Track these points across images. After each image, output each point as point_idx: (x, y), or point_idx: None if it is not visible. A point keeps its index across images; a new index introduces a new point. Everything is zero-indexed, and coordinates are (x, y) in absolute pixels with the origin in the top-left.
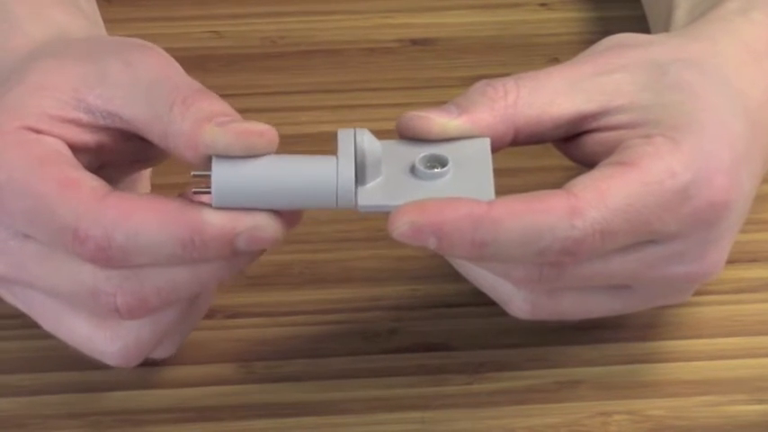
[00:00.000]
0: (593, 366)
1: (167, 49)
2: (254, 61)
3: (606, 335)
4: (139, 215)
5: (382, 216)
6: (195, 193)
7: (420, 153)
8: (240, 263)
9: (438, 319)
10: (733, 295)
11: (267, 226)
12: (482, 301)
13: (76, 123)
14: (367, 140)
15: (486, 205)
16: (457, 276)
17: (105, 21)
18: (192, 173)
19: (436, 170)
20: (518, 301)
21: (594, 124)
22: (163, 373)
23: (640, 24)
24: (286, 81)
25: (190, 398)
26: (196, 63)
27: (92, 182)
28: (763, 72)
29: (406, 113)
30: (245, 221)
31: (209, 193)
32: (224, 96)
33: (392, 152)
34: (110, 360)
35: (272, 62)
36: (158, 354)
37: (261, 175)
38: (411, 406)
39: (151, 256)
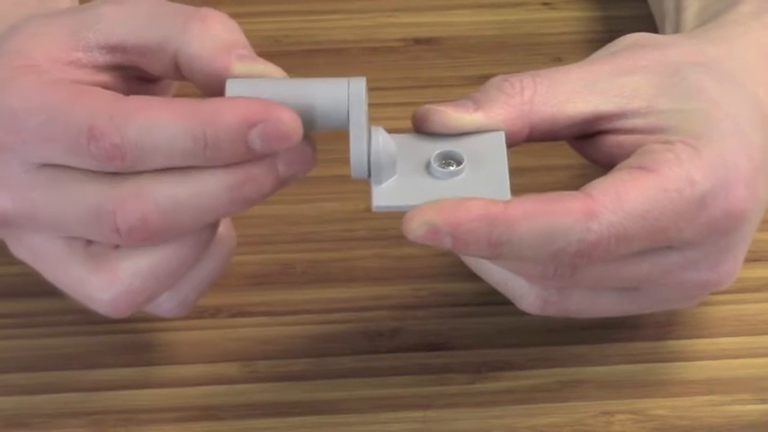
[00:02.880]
0: (595, 366)
1: None
2: None
3: (609, 335)
4: (152, 109)
5: (386, 215)
6: None
7: (435, 149)
8: (245, 191)
9: (441, 319)
10: (736, 295)
11: (284, 118)
12: (485, 301)
13: (76, 65)
14: (382, 140)
15: (502, 205)
16: (460, 276)
17: None
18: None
19: (451, 168)
20: (529, 296)
21: (610, 125)
22: (166, 372)
23: (645, 24)
24: None
25: (193, 397)
26: None
27: (105, 91)
28: None
29: (421, 107)
30: (261, 112)
31: None
32: None
33: (406, 147)
34: (100, 307)
35: (275, 61)
36: (170, 311)
37: (273, 93)
38: (413, 405)
39: (164, 153)
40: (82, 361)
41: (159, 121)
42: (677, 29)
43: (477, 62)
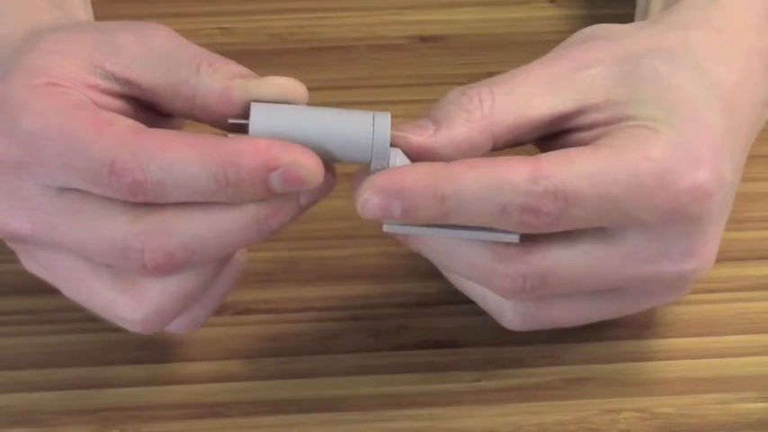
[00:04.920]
0: (601, 363)
1: None
2: (262, 58)
3: (614, 332)
4: (175, 148)
5: None
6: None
7: None
8: (268, 224)
9: (446, 317)
10: (741, 293)
11: (305, 164)
12: None
13: (95, 89)
14: (399, 161)
15: (447, 163)
16: None
17: (113, 18)
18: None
19: None
20: (507, 312)
21: (572, 123)
22: (172, 370)
23: None
24: (295, 77)
25: (198, 394)
26: None
27: (126, 120)
28: (737, 55)
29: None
30: (282, 157)
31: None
32: None
33: None
34: (130, 326)
35: (280, 59)
36: (181, 329)
37: (298, 121)
38: (419, 403)
39: (186, 191)
40: (89, 358)
41: (181, 160)
42: (646, 13)
43: (483, 60)
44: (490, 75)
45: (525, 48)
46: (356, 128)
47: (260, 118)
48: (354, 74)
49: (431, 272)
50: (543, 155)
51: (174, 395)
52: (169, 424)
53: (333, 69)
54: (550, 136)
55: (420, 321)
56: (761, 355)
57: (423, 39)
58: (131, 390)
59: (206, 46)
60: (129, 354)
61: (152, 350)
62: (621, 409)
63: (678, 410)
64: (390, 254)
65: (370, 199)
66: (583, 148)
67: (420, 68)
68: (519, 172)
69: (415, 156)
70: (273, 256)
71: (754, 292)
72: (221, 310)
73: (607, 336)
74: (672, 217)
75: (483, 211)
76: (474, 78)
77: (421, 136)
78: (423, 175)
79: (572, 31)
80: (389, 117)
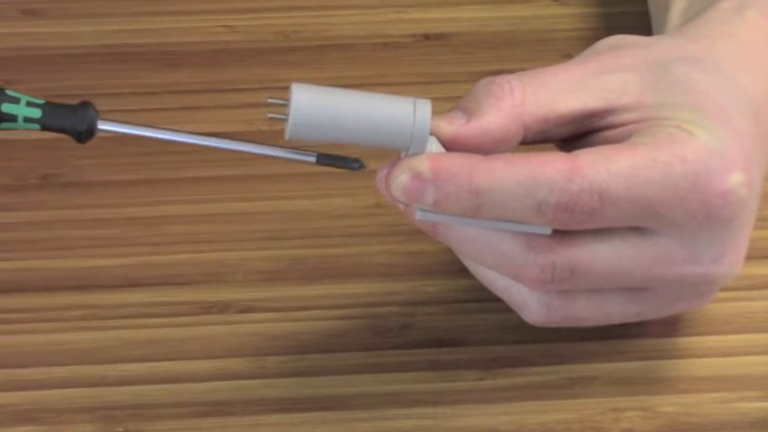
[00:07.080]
0: (605, 362)
1: (180, 44)
2: (267, 56)
3: (618, 331)
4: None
5: (396, 211)
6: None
7: None
8: None
9: (450, 315)
10: (744, 292)
11: None
12: (494, 297)
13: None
14: (435, 150)
15: (483, 156)
16: (469, 272)
17: (116, 15)
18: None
19: None
20: (533, 304)
21: (601, 122)
22: (175, 368)
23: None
24: (299, 76)
25: (202, 392)
26: (209, 57)
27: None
28: (761, 68)
29: None
30: None
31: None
32: (237, 91)
33: None
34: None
35: (285, 57)
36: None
37: (338, 102)
38: (423, 401)
39: None
40: (91, 356)
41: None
42: (663, 25)
43: (487, 58)
44: (494, 73)
45: (529, 46)
46: (396, 113)
47: (301, 98)
48: (358, 72)
49: (435, 270)
50: (580, 152)
51: (178, 393)
52: (172, 422)
53: (337, 67)
54: (576, 136)
55: (424, 320)
56: (763, 354)
57: (427, 37)
58: (135, 388)
59: (211, 44)
60: (133, 351)
61: (155, 348)
62: (625, 407)
63: (682, 409)
64: (394, 252)
65: (405, 181)
66: (619, 145)
67: (424, 66)
68: (556, 169)
69: (448, 146)
70: (277, 255)
71: (756, 291)
72: (225, 307)
73: (611, 335)
74: (703, 220)
75: (518, 208)
76: (478, 77)
77: (453, 125)
78: (460, 166)
79: (576, 30)
80: (430, 104)
